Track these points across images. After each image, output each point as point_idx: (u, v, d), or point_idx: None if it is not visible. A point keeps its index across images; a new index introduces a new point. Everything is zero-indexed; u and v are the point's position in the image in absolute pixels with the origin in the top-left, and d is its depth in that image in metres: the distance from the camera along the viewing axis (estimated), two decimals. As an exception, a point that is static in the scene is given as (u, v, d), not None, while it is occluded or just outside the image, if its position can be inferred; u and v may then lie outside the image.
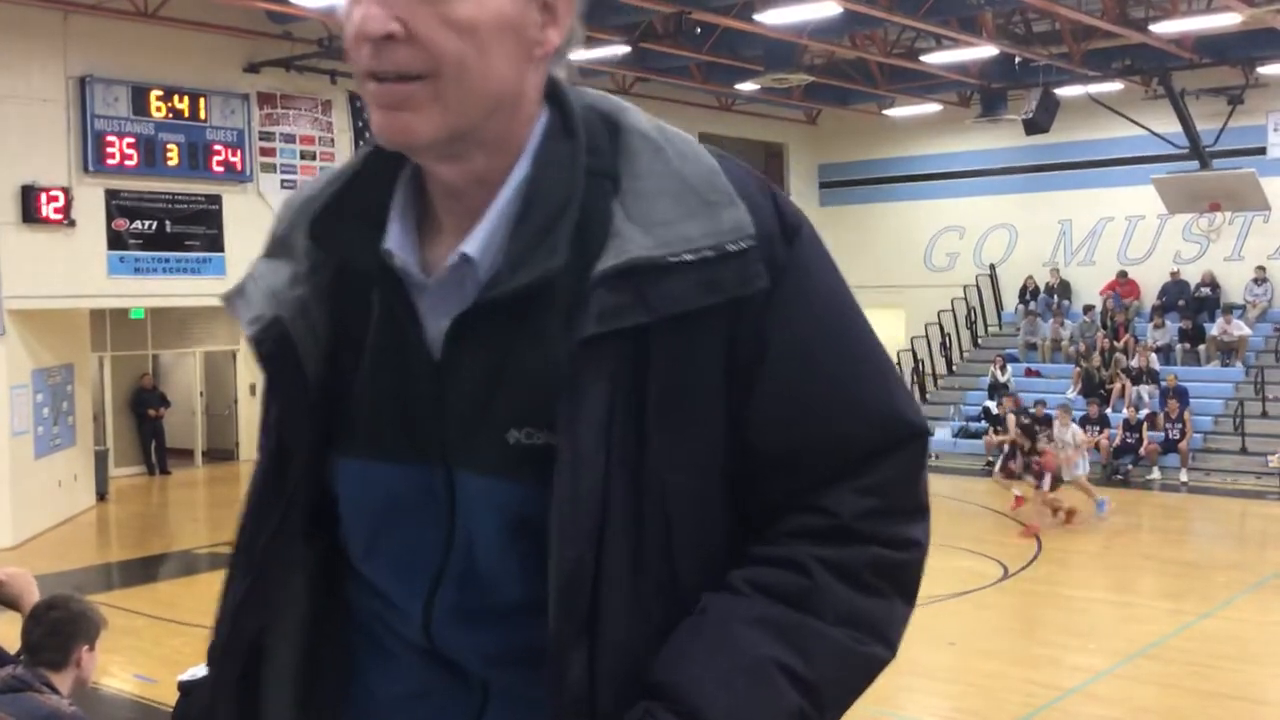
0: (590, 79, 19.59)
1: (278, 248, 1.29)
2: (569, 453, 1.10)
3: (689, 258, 1.13)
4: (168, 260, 15.38)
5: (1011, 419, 15.59)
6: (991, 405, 19.70)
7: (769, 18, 15.18)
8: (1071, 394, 19.36)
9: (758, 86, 19.65)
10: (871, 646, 1.16)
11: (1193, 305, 20.74)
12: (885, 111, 22.81)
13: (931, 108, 22.17)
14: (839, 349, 1.20)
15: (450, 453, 1.18)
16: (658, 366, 1.13)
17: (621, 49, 17.00)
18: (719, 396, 1.16)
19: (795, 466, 1.18)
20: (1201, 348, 19.99)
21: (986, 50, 17.63)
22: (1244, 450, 17.75)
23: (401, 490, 1.21)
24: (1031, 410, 15.77)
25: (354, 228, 1.22)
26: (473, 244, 1.16)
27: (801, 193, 25.66)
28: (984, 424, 19.51)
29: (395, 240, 1.20)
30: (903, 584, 1.20)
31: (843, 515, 1.16)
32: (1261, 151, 20.14)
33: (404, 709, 1.26)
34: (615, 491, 1.12)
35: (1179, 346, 20.12)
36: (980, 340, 22.92)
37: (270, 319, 1.23)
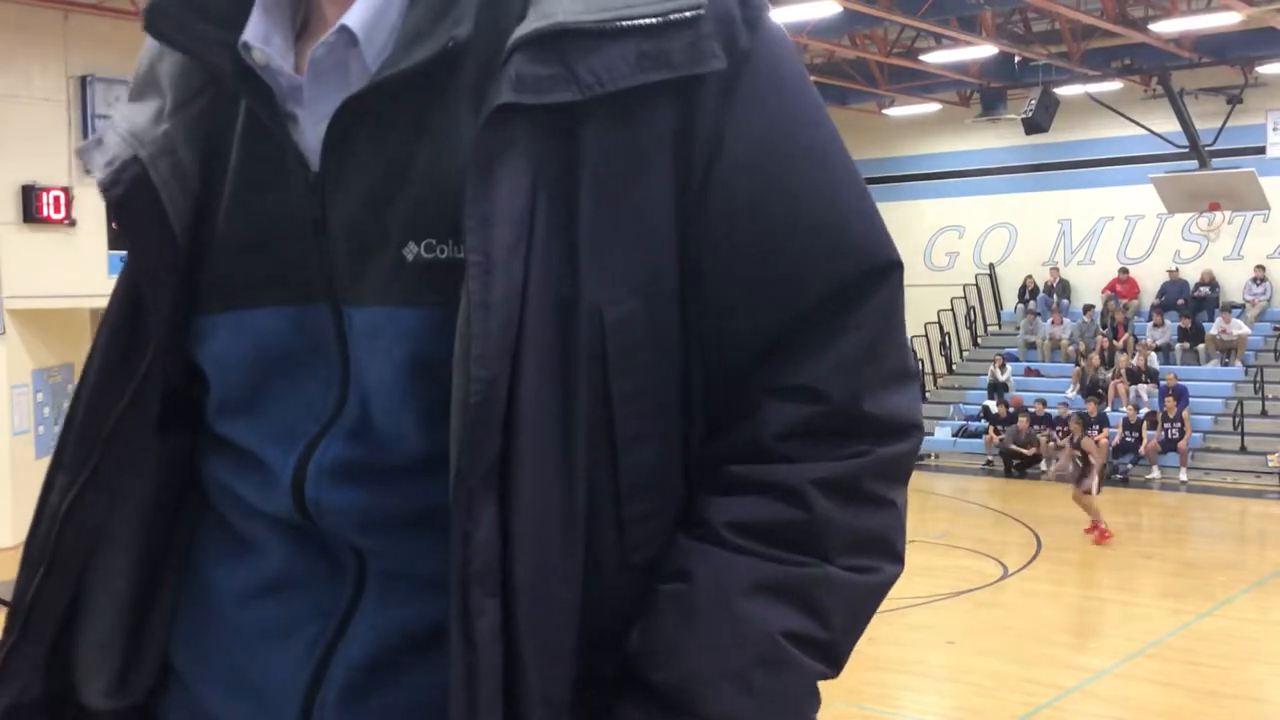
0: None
1: (143, 86, 1.08)
2: (479, 253, 0.89)
3: (625, 24, 0.92)
4: (167, 260, 15.37)
5: (1066, 452, 14.51)
6: (991, 405, 19.71)
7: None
8: (1071, 393, 19.37)
9: (757, 86, 19.64)
10: (882, 570, 0.99)
11: (1192, 304, 20.75)
12: (885, 111, 22.81)
13: (931, 107, 22.18)
14: (812, 157, 0.99)
15: (337, 284, 0.97)
16: (590, 162, 0.92)
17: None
18: (666, 205, 0.95)
19: (759, 308, 0.97)
20: (1201, 347, 19.99)
21: (986, 49, 17.63)
22: (1243, 449, 17.75)
23: (281, 338, 0.99)
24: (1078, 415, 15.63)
25: (207, 24, 1.00)
26: (354, 15, 0.95)
27: (801, 192, 25.68)
28: (983, 423, 19.51)
29: (256, 32, 0.98)
30: (903, 477, 1.02)
31: (833, 397, 0.96)
32: (1261, 151, 20.13)
33: (255, 607, 1.02)
34: (534, 313, 0.90)
35: (1178, 346, 20.13)
36: (980, 340, 22.93)
37: (125, 160, 1.01)
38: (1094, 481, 13.36)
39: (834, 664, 0.98)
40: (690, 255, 0.96)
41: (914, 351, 1.09)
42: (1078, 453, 13.69)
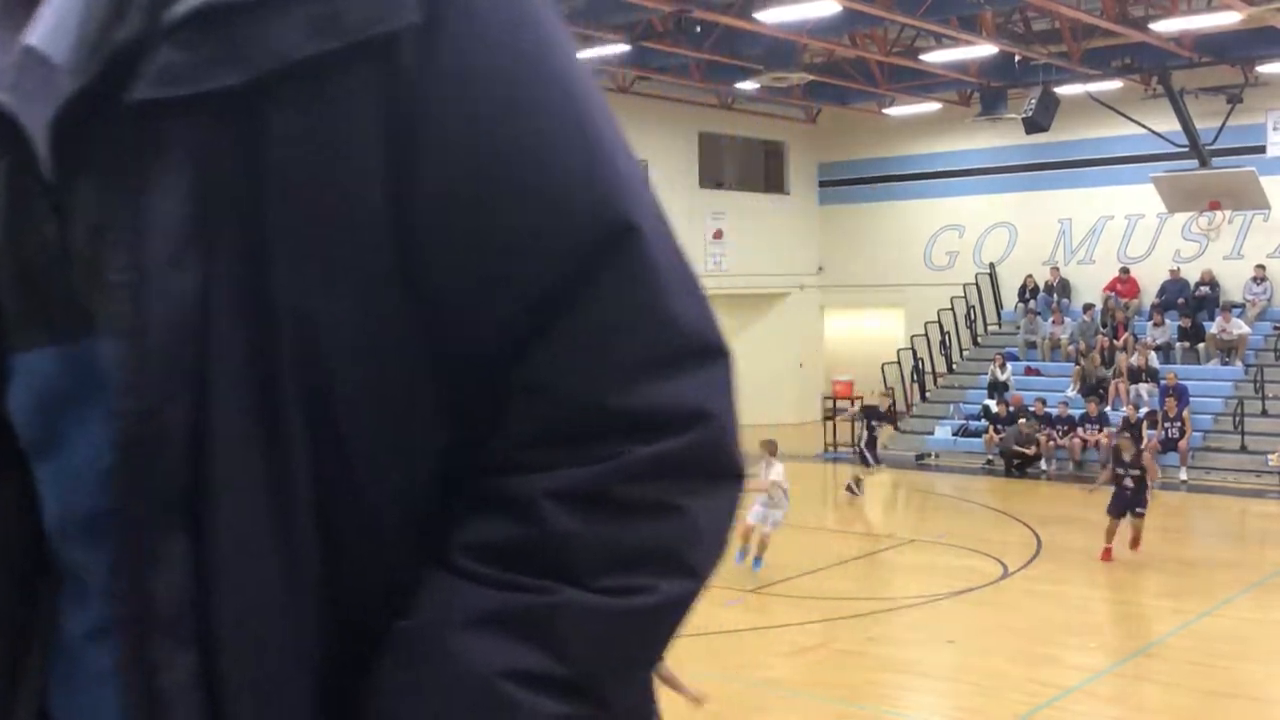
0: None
1: None
2: (127, 272, 0.80)
3: None
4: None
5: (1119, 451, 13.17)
6: (991, 404, 19.71)
7: (768, 16, 15.18)
8: (1071, 393, 19.37)
9: (757, 85, 19.66)
10: (658, 589, 0.82)
11: (1192, 304, 20.75)
12: (885, 110, 22.81)
13: (931, 107, 22.18)
14: (534, 111, 0.85)
15: (91, 314, 0.86)
16: (277, 149, 0.82)
17: (621, 47, 17.00)
18: (374, 188, 0.83)
19: (487, 295, 0.84)
20: (1201, 346, 19.99)
21: (986, 49, 17.63)
22: (1244, 449, 17.75)
23: (49, 381, 0.89)
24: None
25: None
26: (37, 30, 0.84)
27: (801, 191, 25.69)
28: (983, 423, 19.50)
29: None
30: (694, 476, 0.85)
31: (567, 392, 0.82)
32: (1261, 150, 20.14)
33: (91, 648, 0.92)
34: (219, 326, 0.81)
35: (1178, 345, 20.13)
36: (980, 339, 22.93)
37: None
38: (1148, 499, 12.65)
39: (590, 702, 0.81)
40: (411, 242, 0.84)
41: (706, 321, 0.88)
42: (1135, 472, 12.43)
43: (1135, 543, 12.56)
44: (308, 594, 0.82)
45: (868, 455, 16.75)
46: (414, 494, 0.85)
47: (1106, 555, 12.45)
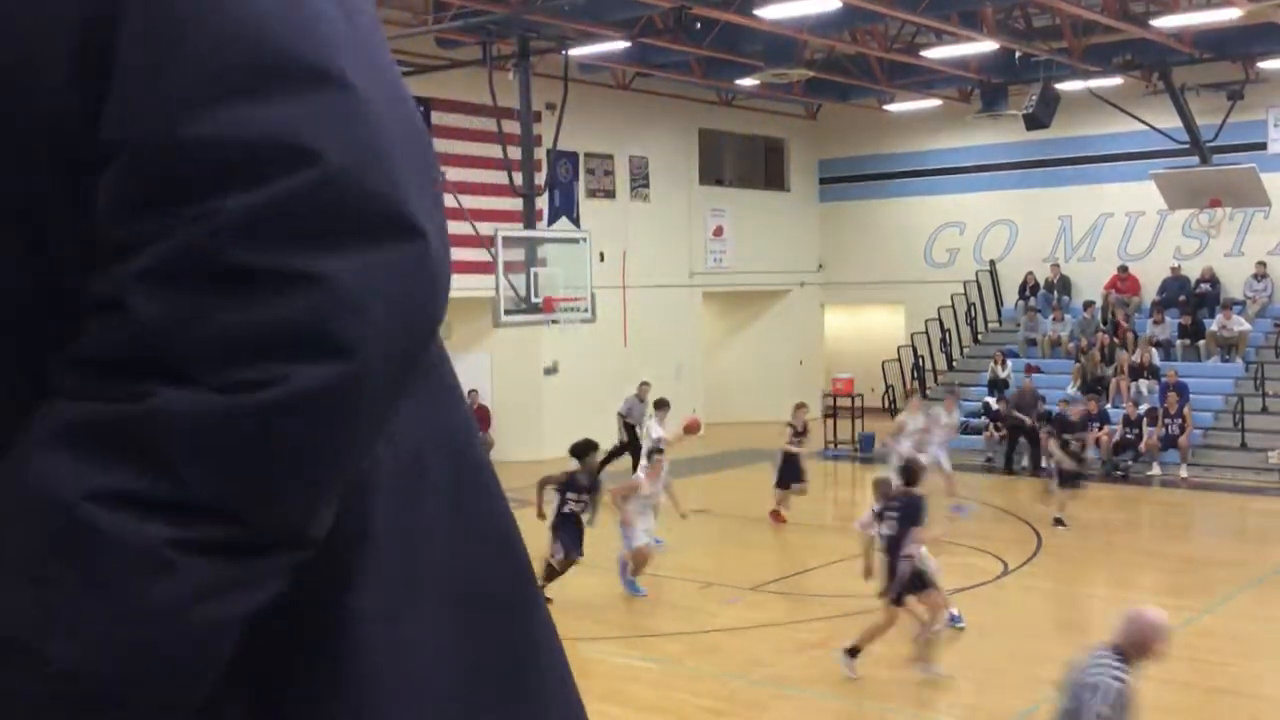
0: (590, 74, 19.63)
1: None
2: None
3: None
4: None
5: None
6: (991, 401, 19.70)
7: (769, 13, 15.16)
8: (1071, 390, 19.36)
9: (758, 82, 19.64)
10: (290, 379, 0.68)
11: (1193, 301, 20.74)
12: (885, 107, 22.79)
13: (932, 103, 22.16)
14: None
15: None
16: None
17: (621, 44, 16.97)
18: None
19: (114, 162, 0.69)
20: (1201, 343, 19.98)
21: (987, 45, 17.61)
22: (1244, 446, 17.74)
23: None
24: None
25: None
26: None
27: (802, 188, 25.67)
28: (984, 420, 19.49)
29: None
30: (325, 227, 0.69)
31: (128, 139, 0.68)
32: (1262, 147, 20.13)
33: None
34: None
35: (1179, 342, 20.12)
36: (980, 336, 22.91)
37: None
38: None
39: (219, 522, 0.68)
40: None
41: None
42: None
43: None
44: None
45: (1062, 473, 14.00)
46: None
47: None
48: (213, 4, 0.68)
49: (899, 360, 22.10)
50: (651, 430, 13.46)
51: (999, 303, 23.36)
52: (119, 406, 0.67)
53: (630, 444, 17.03)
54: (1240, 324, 19.69)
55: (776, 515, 14.17)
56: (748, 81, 19.79)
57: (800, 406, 14.95)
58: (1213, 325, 19.93)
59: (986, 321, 23.23)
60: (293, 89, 0.68)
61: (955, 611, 9.77)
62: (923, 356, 22.09)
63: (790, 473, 14.17)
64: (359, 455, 0.73)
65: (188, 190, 0.67)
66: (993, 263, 23.49)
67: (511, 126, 16.35)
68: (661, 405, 14.41)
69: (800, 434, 14.27)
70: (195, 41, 0.67)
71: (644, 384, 17.68)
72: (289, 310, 0.67)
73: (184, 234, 0.67)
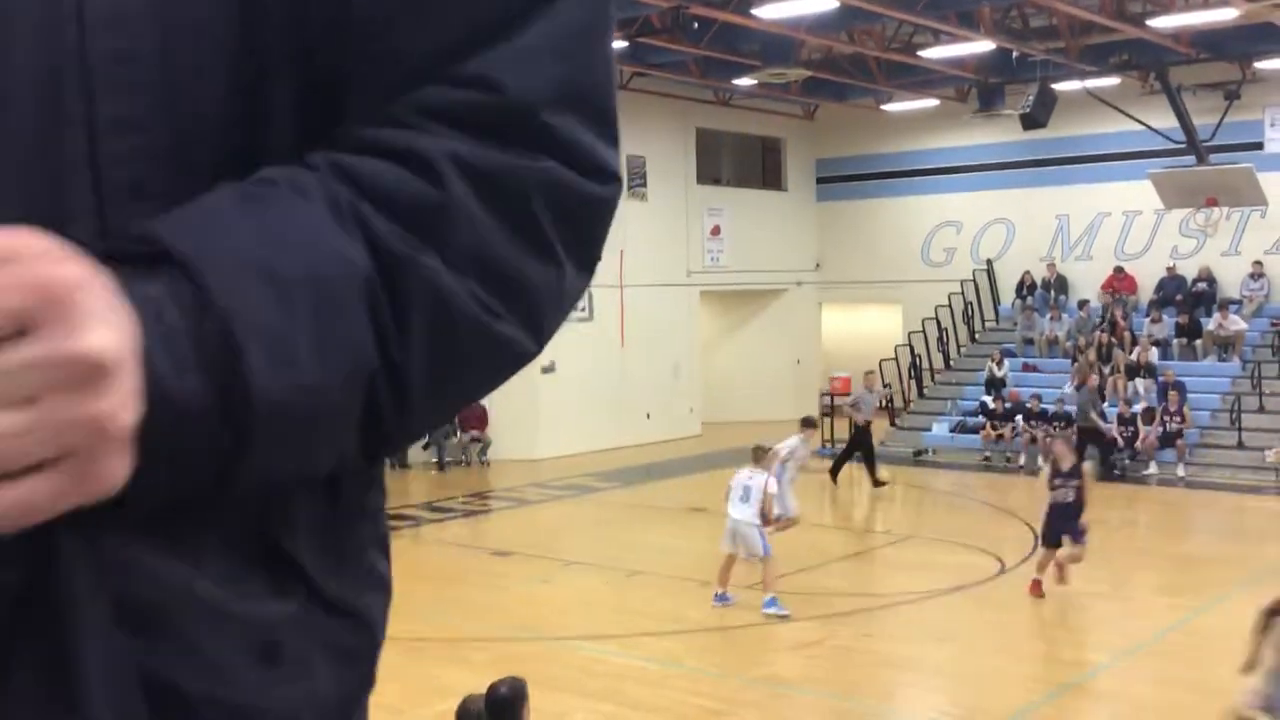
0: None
1: None
2: None
3: None
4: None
5: None
6: (988, 400, 19.73)
7: (766, 12, 15.18)
8: (1068, 389, 19.38)
9: (755, 81, 19.65)
10: (506, 325, 0.73)
11: (1190, 300, 20.77)
12: (883, 106, 22.81)
13: (929, 103, 22.19)
14: None
15: None
16: None
17: (619, 44, 16.99)
18: None
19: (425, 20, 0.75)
20: (1198, 343, 20.01)
21: (984, 45, 17.63)
22: (1241, 445, 17.77)
23: None
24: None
25: None
26: None
27: (799, 187, 25.69)
28: (981, 419, 19.52)
29: None
30: (582, 243, 0.78)
31: (509, 88, 0.73)
32: (1259, 146, 20.15)
33: None
34: None
35: (1176, 341, 20.15)
36: (977, 335, 22.94)
37: None
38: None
39: (398, 390, 0.70)
40: None
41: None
42: (1075, 483, 10.79)
43: (1061, 574, 10.63)
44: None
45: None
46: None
47: (1035, 588, 10.62)
48: (593, 35, 0.80)
49: (896, 360, 22.12)
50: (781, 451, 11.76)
51: (996, 302, 23.38)
52: (409, 252, 0.70)
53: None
54: (1237, 323, 19.72)
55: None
56: (745, 81, 19.80)
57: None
58: (1210, 324, 19.97)
59: (984, 321, 23.26)
60: (610, 133, 0.79)
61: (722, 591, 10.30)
62: (920, 355, 22.11)
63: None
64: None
65: (532, 146, 0.74)
66: (990, 262, 23.52)
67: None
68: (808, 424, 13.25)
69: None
70: (573, 67, 0.77)
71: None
72: (537, 281, 0.75)
73: (518, 163, 0.73)
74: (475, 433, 19.60)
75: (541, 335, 0.76)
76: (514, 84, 0.73)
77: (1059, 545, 10.57)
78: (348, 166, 0.70)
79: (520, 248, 0.73)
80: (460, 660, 8.92)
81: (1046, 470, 11.11)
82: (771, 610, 10.16)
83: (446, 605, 10.18)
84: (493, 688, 5.17)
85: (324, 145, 0.72)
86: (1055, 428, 18.33)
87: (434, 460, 19.11)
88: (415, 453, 18.94)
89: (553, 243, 0.74)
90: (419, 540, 14.00)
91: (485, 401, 19.71)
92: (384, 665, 0.85)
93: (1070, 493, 10.61)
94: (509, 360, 0.75)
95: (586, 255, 0.78)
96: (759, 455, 10.75)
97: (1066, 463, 10.86)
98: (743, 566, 10.88)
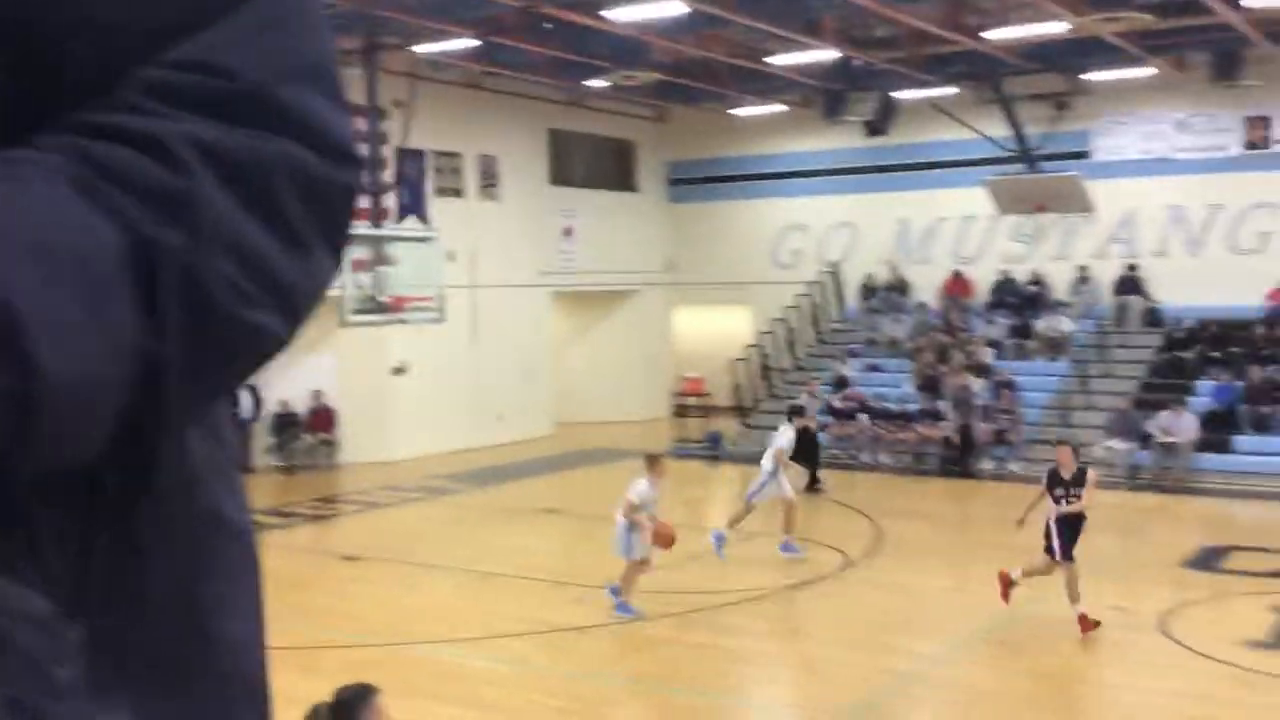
0: (439, 71, 19.40)
1: None
2: None
3: None
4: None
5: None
6: (835, 400, 20.19)
7: (617, 15, 15.25)
8: (909, 388, 19.99)
9: (607, 83, 19.72)
10: (260, 312, 0.71)
11: (1022, 303, 21.67)
12: (731, 111, 23.14)
13: (776, 108, 22.60)
14: None
15: None
16: None
17: (470, 42, 16.85)
18: None
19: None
20: (1031, 343, 20.88)
21: (829, 53, 18.05)
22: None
23: None
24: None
25: None
26: None
27: (651, 189, 25.88)
28: (830, 418, 19.95)
29: None
30: (328, 227, 0.76)
31: (236, 68, 0.72)
32: (1086, 155, 21.14)
33: None
34: None
35: (1009, 342, 20.99)
36: (824, 336, 23.47)
37: None
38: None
39: (149, 365, 0.66)
40: None
41: None
42: (1077, 492, 10.21)
43: (1074, 595, 9.90)
44: None
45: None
46: None
47: (1085, 623, 9.71)
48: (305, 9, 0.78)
49: (746, 360, 22.47)
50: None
51: (841, 303, 23.97)
52: (167, 233, 0.67)
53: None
54: (1065, 324, 20.65)
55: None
56: (597, 83, 19.85)
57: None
58: (1040, 325, 20.86)
59: (830, 322, 23.81)
60: (339, 100, 0.78)
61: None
62: (769, 355, 22.51)
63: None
64: None
65: (271, 128, 0.72)
66: (835, 264, 24.09)
67: (357, 123, 16.07)
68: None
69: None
70: (294, 39, 0.76)
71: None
72: (293, 272, 0.74)
73: (257, 146, 0.71)
74: (323, 434, 19.18)
75: (295, 322, 0.74)
76: (240, 63, 0.72)
77: (1072, 559, 10.00)
78: (85, 149, 0.67)
79: (268, 232, 0.71)
80: (310, 669, 8.71)
81: (1043, 480, 10.61)
82: (619, 609, 10.22)
83: (294, 613, 9.93)
84: (338, 691, 5.14)
85: (48, 129, 0.68)
86: (897, 425, 18.92)
87: (280, 464, 18.62)
88: (260, 455, 18.44)
89: (299, 227, 0.73)
90: (263, 546, 13.62)
91: (333, 403, 19.31)
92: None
93: (1075, 502, 10.13)
94: (264, 346, 0.73)
95: (333, 240, 0.76)
96: (652, 464, 10.74)
97: (1068, 471, 10.27)
98: (596, 565, 10.91)
